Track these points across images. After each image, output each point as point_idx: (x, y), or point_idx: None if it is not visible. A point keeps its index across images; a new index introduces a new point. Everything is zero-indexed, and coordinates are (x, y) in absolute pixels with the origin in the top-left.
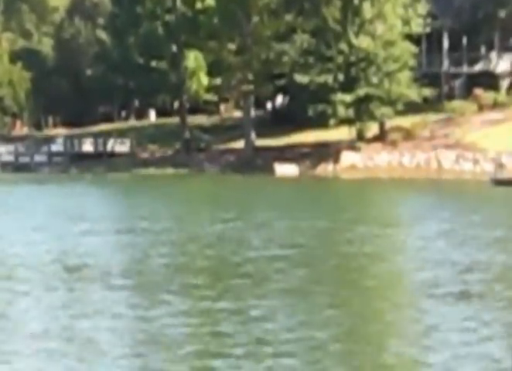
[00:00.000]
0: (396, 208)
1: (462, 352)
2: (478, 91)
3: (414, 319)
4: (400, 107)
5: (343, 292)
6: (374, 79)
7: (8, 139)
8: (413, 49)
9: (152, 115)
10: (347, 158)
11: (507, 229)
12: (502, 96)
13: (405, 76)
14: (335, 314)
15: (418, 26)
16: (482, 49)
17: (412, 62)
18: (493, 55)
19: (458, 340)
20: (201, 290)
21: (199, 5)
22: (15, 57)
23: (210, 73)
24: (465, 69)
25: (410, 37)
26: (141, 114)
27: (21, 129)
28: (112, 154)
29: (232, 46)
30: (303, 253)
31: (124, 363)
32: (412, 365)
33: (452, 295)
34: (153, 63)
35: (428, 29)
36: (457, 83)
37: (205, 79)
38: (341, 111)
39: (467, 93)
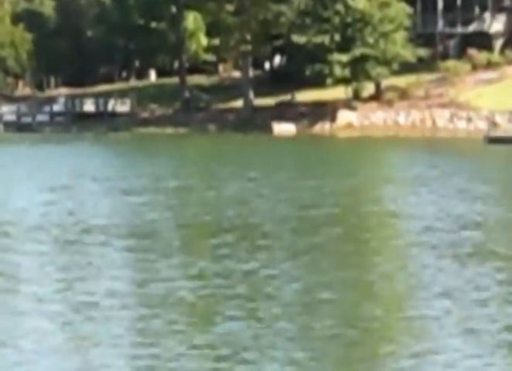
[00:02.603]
0: (400, 167)
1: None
2: (472, 51)
3: (431, 279)
4: (395, 66)
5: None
6: (370, 40)
7: (11, 99)
8: (408, 9)
9: (152, 75)
10: (344, 116)
11: (499, 183)
12: (495, 56)
13: (400, 36)
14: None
15: None
16: (476, 10)
17: (407, 22)
18: (487, 15)
19: (478, 300)
20: (227, 249)
21: None
22: (16, 19)
23: (209, 34)
24: (459, 29)
25: None
26: (142, 75)
27: (23, 89)
28: (113, 114)
29: (230, 7)
30: (323, 213)
31: (126, 325)
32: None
33: (470, 254)
34: (153, 24)
35: None
36: (451, 43)
37: (204, 40)
38: (337, 71)
39: (461, 53)
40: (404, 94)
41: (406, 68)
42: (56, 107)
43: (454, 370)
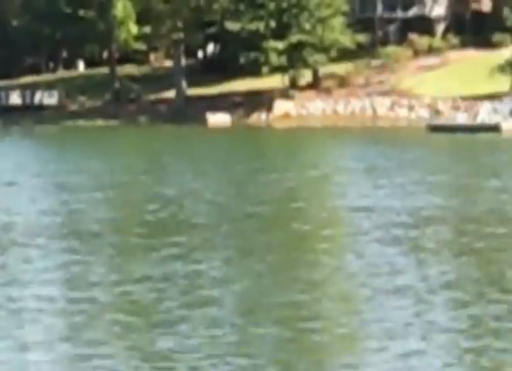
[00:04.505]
0: (343, 159)
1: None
2: (413, 36)
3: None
4: (333, 53)
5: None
6: (307, 26)
7: None
8: None
9: (81, 66)
10: (280, 106)
11: (446, 174)
12: (437, 41)
13: (338, 21)
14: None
15: None
16: None
17: (345, 7)
18: None
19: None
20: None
21: None
22: None
23: (139, 22)
24: (399, 13)
25: None
26: (70, 65)
27: None
28: (40, 107)
29: None
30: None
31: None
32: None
33: (388, 240)
34: (81, 12)
35: None
36: (391, 28)
37: (134, 28)
38: (273, 59)
39: (402, 39)
40: (342, 82)
41: (345, 55)
42: None
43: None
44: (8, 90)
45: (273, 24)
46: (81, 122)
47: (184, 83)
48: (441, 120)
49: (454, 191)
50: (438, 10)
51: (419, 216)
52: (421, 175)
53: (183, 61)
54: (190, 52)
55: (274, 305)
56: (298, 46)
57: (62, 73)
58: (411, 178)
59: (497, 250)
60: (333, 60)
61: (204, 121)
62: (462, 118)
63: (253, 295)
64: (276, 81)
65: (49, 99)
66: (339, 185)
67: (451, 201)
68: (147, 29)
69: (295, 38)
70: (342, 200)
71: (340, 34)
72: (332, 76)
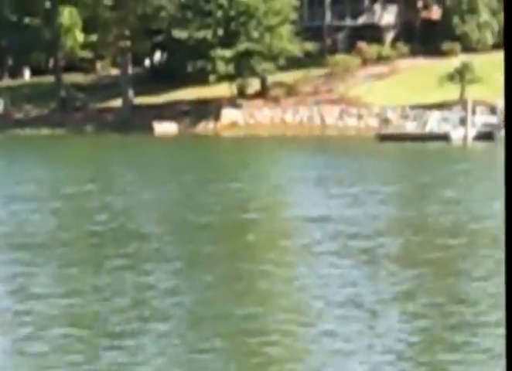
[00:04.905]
0: (292, 169)
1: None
2: (361, 44)
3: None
4: (281, 62)
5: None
6: (255, 34)
7: None
8: (294, 1)
9: (27, 74)
10: (228, 115)
11: (398, 183)
12: (386, 49)
13: (287, 30)
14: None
15: None
16: (366, 1)
17: (294, 15)
18: (377, 6)
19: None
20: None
21: None
22: None
23: (86, 30)
24: (348, 21)
25: None
26: (15, 73)
27: None
28: None
29: (108, 1)
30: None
31: None
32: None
33: (340, 250)
34: (26, 20)
35: None
36: (340, 36)
37: (80, 36)
38: (221, 67)
39: (351, 47)
40: (291, 91)
41: (293, 63)
42: None
43: None
44: None
45: (221, 32)
46: (27, 131)
47: (131, 92)
48: (390, 129)
49: (406, 201)
50: (388, 18)
51: (372, 227)
52: (373, 184)
53: (130, 69)
54: (137, 61)
55: (224, 317)
56: (246, 55)
57: (7, 81)
58: (364, 188)
59: (450, 261)
60: (281, 69)
61: (151, 130)
62: (411, 127)
63: (202, 307)
64: (224, 90)
65: None
66: (291, 195)
67: (403, 211)
68: (93, 37)
69: (242, 46)
70: (294, 210)
71: (289, 42)
72: (280, 84)
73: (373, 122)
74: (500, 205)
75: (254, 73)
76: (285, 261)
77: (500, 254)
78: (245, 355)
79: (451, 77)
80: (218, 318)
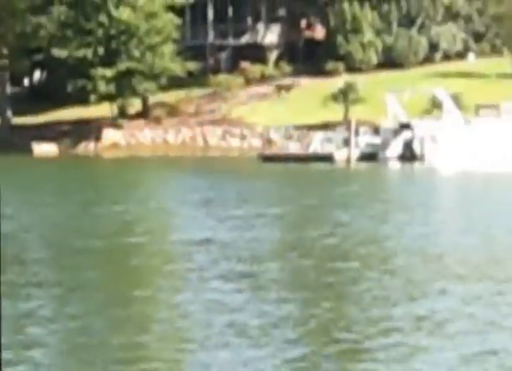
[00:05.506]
0: (166, 189)
1: None
2: (244, 64)
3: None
4: (163, 81)
5: None
6: (136, 53)
7: None
8: (176, 20)
9: None
10: (109, 135)
11: (284, 206)
12: (269, 68)
13: (169, 49)
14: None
15: None
16: (249, 20)
17: (176, 34)
18: (260, 26)
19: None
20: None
21: None
22: None
23: None
24: (231, 41)
25: (173, 8)
26: None
27: None
28: None
29: None
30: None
31: None
32: None
33: (226, 275)
34: None
35: (192, 0)
36: (223, 55)
37: None
38: (102, 87)
39: (233, 67)
40: (173, 111)
41: (175, 83)
42: None
43: None
44: None
45: (101, 51)
46: None
47: (9, 112)
48: (273, 150)
49: (292, 224)
50: (271, 38)
51: (259, 250)
52: (258, 207)
53: (8, 89)
54: (16, 80)
55: (105, 346)
56: (127, 74)
57: None
58: (248, 211)
59: (337, 286)
60: (163, 88)
61: (30, 151)
62: (294, 148)
63: (83, 335)
64: (105, 110)
65: None
66: (176, 218)
67: (290, 235)
68: None
69: (123, 65)
70: (179, 234)
71: (170, 61)
72: (162, 104)
73: (257, 142)
74: (388, 228)
75: (135, 92)
76: (169, 286)
77: (388, 279)
78: None
79: (335, 97)
80: (95, 346)
